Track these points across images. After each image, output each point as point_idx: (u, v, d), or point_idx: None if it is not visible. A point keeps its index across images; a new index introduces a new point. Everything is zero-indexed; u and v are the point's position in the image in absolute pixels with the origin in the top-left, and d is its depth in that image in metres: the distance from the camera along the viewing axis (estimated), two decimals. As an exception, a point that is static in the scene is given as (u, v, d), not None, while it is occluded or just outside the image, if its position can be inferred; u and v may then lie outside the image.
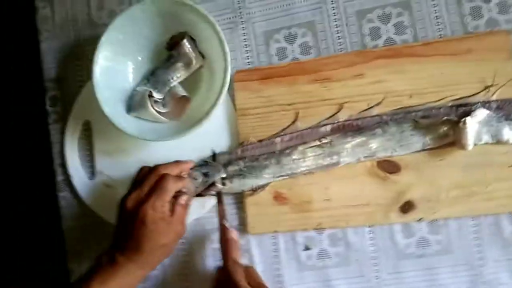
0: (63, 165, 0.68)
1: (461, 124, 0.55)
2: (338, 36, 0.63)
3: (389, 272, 0.59)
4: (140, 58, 0.65)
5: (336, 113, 0.61)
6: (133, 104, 0.62)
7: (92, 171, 0.68)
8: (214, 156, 0.63)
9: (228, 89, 0.60)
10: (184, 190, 0.57)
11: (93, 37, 0.68)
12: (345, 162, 0.60)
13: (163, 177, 0.55)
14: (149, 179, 0.55)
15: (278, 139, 0.61)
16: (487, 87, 0.58)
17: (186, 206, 0.57)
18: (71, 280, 0.67)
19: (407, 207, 0.58)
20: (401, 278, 0.59)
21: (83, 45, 0.70)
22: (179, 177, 0.57)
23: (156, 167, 0.57)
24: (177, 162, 0.59)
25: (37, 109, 0.71)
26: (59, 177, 0.69)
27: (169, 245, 0.55)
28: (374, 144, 0.59)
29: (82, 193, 0.67)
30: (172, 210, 0.55)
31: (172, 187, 0.54)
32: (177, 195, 0.56)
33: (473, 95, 0.58)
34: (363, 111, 0.60)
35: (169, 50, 0.64)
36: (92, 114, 0.67)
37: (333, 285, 0.60)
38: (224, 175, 0.61)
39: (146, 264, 0.54)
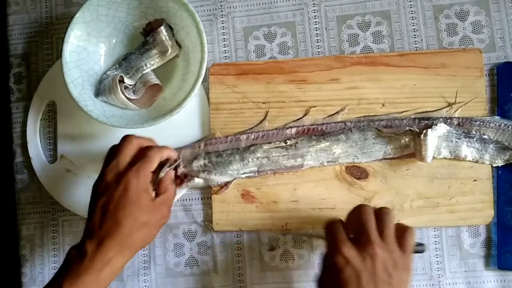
0: (23, 146, 0.65)
1: (421, 136, 0.56)
2: (317, 39, 0.63)
3: (350, 277, 0.59)
4: (113, 42, 0.63)
5: (303, 116, 0.61)
6: (103, 88, 0.60)
7: (53, 155, 0.65)
8: None
9: (203, 81, 0.59)
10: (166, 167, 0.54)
11: (66, 15, 0.66)
12: (308, 166, 0.60)
13: (146, 147, 0.51)
14: (128, 149, 0.50)
15: (243, 136, 0.60)
16: (449, 104, 0.59)
17: (174, 183, 0.54)
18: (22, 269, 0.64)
19: (372, 214, 0.59)
20: (361, 284, 0.59)
21: (54, 23, 0.67)
22: (163, 147, 0.53)
23: (132, 138, 0.51)
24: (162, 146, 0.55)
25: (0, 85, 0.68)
26: (18, 159, 0.66)
27: (150, 226, 0.49)
28: (337, 150, 0.59)
29: (41, 176, 0.64)
30: (158, 187, 0.51)
31: (155, 157, 0.50)
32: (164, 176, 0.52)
33: (437, 110, 0.59)
34: (330, 115, 0.60)
35: (145, 36, 0.62)
36: (58, 95, 0.64)
37: (295, 287, 0.60)
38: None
39: (125, 246, 0.47)
